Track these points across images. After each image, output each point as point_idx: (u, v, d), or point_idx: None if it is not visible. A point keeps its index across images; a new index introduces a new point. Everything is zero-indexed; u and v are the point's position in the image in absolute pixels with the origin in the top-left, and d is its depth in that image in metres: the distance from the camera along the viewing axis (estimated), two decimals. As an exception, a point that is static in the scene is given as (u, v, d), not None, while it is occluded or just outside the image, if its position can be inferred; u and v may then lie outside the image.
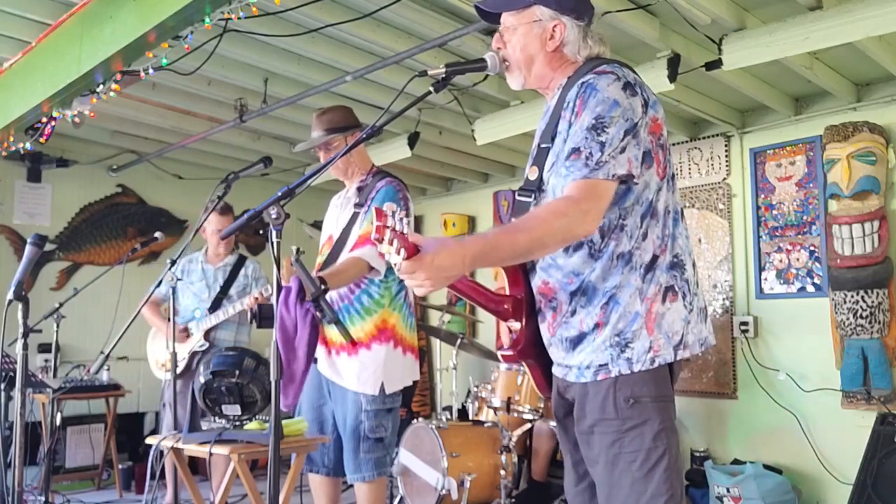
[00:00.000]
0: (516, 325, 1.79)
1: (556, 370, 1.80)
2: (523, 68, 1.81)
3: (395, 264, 1.42)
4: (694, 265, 1.77)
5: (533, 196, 1.75)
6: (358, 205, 2.89)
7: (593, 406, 1.67)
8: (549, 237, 1.56)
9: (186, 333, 4.18)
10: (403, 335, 2.88)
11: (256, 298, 3.85)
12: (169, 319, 3.66)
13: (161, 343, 4.33)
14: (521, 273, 1.79)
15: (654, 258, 1.67)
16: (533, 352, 1.80)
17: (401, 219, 1.39)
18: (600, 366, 1.66)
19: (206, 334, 4.15)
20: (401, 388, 2.86)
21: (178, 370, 4.17)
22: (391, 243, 1.38)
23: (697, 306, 1.73)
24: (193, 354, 4.13)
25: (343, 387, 2.81)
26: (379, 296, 2.83)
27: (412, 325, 2.94)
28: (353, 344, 2.74)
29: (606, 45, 1.83)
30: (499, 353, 1.85)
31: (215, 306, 4.20)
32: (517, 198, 1.79)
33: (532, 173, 1.76)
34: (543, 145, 1.75)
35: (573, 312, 1.69)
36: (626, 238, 1.66)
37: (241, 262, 4.41)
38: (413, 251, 1.42)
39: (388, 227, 1.38)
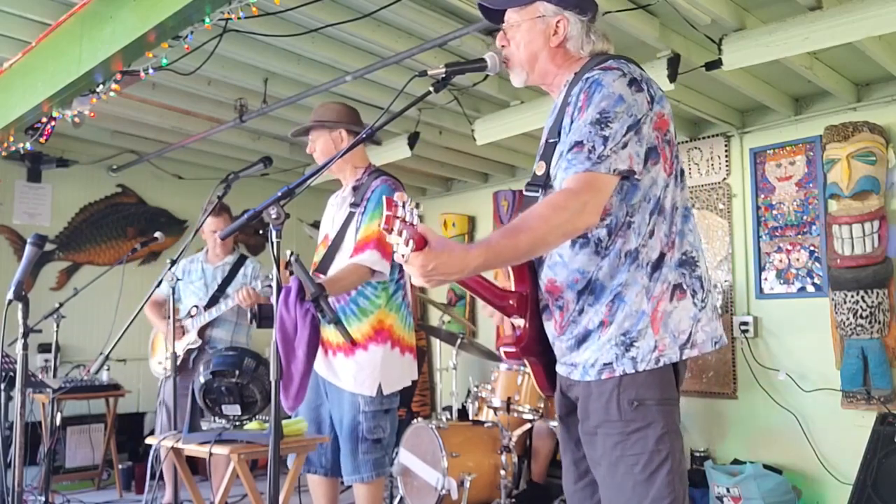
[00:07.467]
0: (520, 322, 1.78)
1: (559, 368, 1.79)
2: (526, 65, 1.81)
3: (402, 255, 1.39)
4: (704, 262, 1.75)
5: (540, 191, 1.74)
6: (354, 204, 2.88)
7: (597, 407, 1.66)
8: (549, 234, 1.55)
9: (182, 331, 4.16)
10: (401, 335, 2.86)
11: (248, 294, 3.73)
12: (168, 318, 3.65)
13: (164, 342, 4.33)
14: (528, 270, 1.77)
15: (662, 256, 1.66)
16: (536, 349, 1.79)
17: (411, 210, 1.37)
18: (605, 364, 1.65)
19: (201, 332, 4.13)
20: (399, 388, 2.85)
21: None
22: (400, 234, 1.35)
23: (711, 304, 1.71)
24: (189, 352, 4.13)
25: (340, 387, 2.81)
26: (375, 297, 2.82)
27: (410, 324, 2.93)
28: (353, 344, 2.73)
29: (610, 43, 1.83)
30: (501, 350, 1.83)
31: (211, 305, 4.19)
32: (525, 193, 1.78)
33: (539, 168, 1.76)
34: (551, 140, 1.74)
35: (581, 311, 1.68)
36: (634, 235, 1.65)
37: (240, 261, 4.39)
38: (421, 245, 1.39)
39: (397, 217, 1.35)
